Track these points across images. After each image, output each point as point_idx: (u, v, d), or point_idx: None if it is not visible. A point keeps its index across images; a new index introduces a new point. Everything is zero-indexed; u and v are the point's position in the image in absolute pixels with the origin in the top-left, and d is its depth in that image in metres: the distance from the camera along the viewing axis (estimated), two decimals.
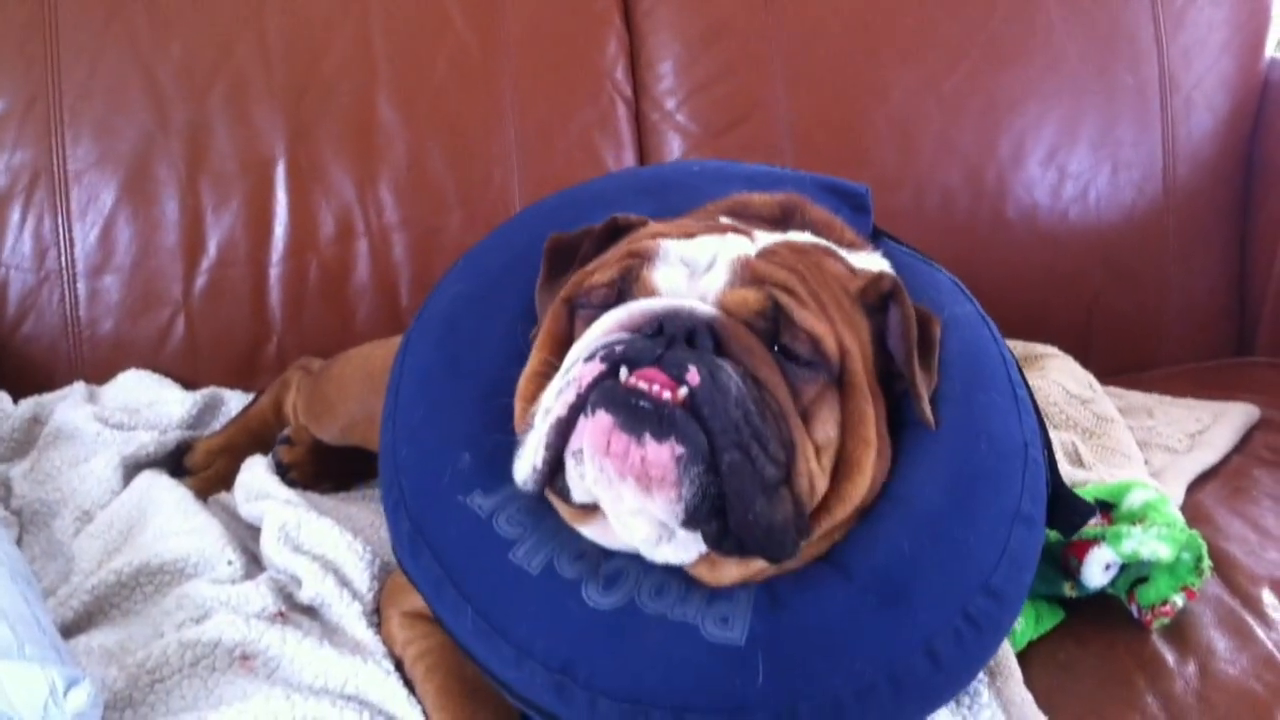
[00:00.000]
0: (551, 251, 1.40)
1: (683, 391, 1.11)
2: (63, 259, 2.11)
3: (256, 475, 1.73)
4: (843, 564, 1.22)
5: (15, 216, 2.10)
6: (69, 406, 1.96)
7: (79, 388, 2.05)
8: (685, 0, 2.28)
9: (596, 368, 1.14)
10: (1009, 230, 2.27)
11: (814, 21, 2.26)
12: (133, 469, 1.82)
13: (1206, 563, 1.45)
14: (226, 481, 1.82)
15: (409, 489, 1.33)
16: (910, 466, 1.28)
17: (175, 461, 1.89)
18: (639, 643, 1.19)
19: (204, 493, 1.78)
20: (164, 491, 1.70)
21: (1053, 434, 1.41)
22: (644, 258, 1.26)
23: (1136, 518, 1.48)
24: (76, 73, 2.11)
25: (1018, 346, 2.08)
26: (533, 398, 1.26)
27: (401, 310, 2.18)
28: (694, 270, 1.25)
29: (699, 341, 1.16)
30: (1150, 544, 1.43)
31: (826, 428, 1.21)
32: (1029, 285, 2.27)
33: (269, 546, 1.56)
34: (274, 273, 2.15)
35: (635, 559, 1.23)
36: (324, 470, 1.87)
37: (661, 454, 1.10)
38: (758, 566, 1.21)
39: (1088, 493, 1.53)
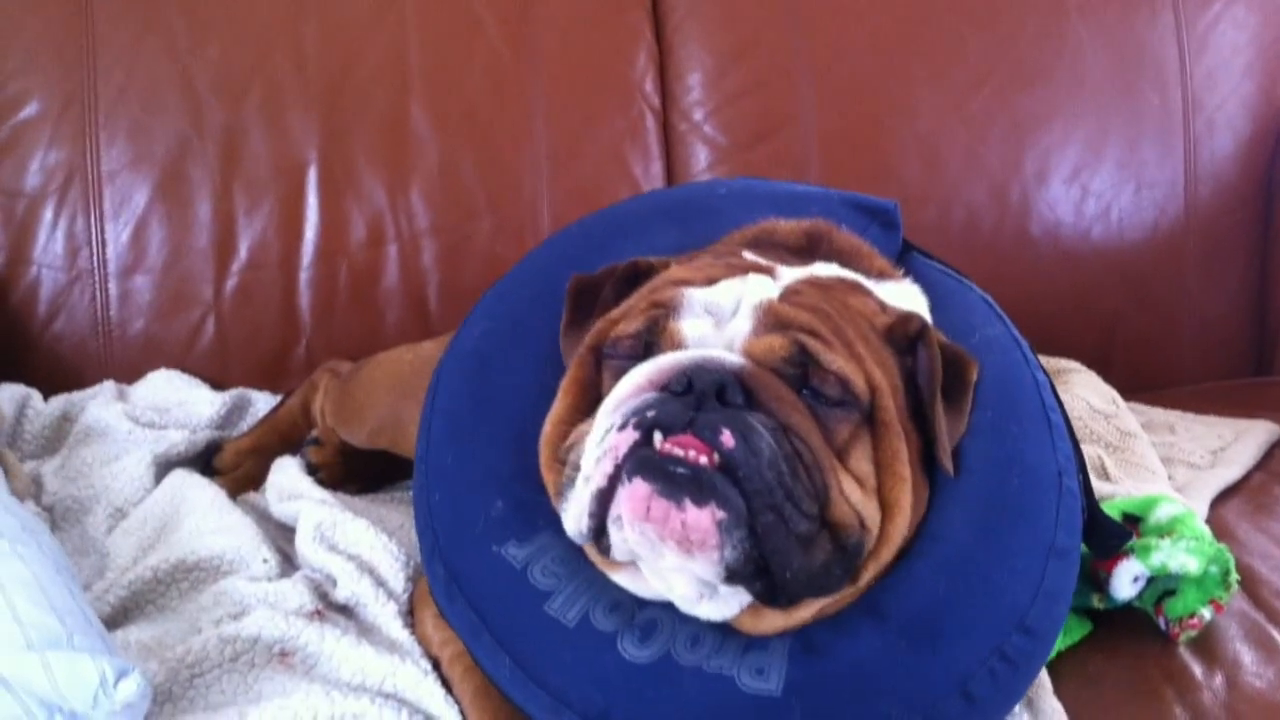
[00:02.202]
0: (574, 294, 1.40)
1: (717, 455, 1.12)
2: (95, 259, 2.13)
3: (289, 475, 1.75)
4: (877, 606, 1.23)
5: (49, 216, 2.12)
6: (99, 405, 1.97)
7: (109, 386, 2.06)
8: (715, 15, 2.30)
9: (630, 436, 1.15)
10: (1033, 247, 2.29)
11: (842, 38, 2.28)
12: (164, 467, 1.83)
13: (1234, 576, 1.46)
14: (255, 482, 1.84)
15: (443, 537, 1.34)
16: (943, 502, 1.28)
17: (203, 462, 1.90)
18: (675, 695, 1.20)
19: (233, 493, 1.79)
20: (197, 490, 1.72)
21: (1077, 436, 1.42)
22: (668, 308, 1.27)
23: (1164, 531, 1.49)
24: (113, 75, 2.13)
25: (1041, 361, 2.08)
26: (557, 444, 1.29)
27: (430, 315, 2.19)
28: (719, 318, 1.26)
29: (729, 396, 1.16)
30: (1178, 557, 1.43)
31: (862, 465, 1.22)
32: (1051, 302, 2.28)
33: (305, 545, 1.57)
34: (304, 276, 2.17)
35: (669, 608, 1.24)
36: (351, 472, 1.88)
37: (702, 518, 1.11)
38: (800, 616, 1.22)
39: (1115, 506, 1.54)
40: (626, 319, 1.30)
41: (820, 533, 1.17)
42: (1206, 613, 1.45)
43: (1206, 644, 1.47)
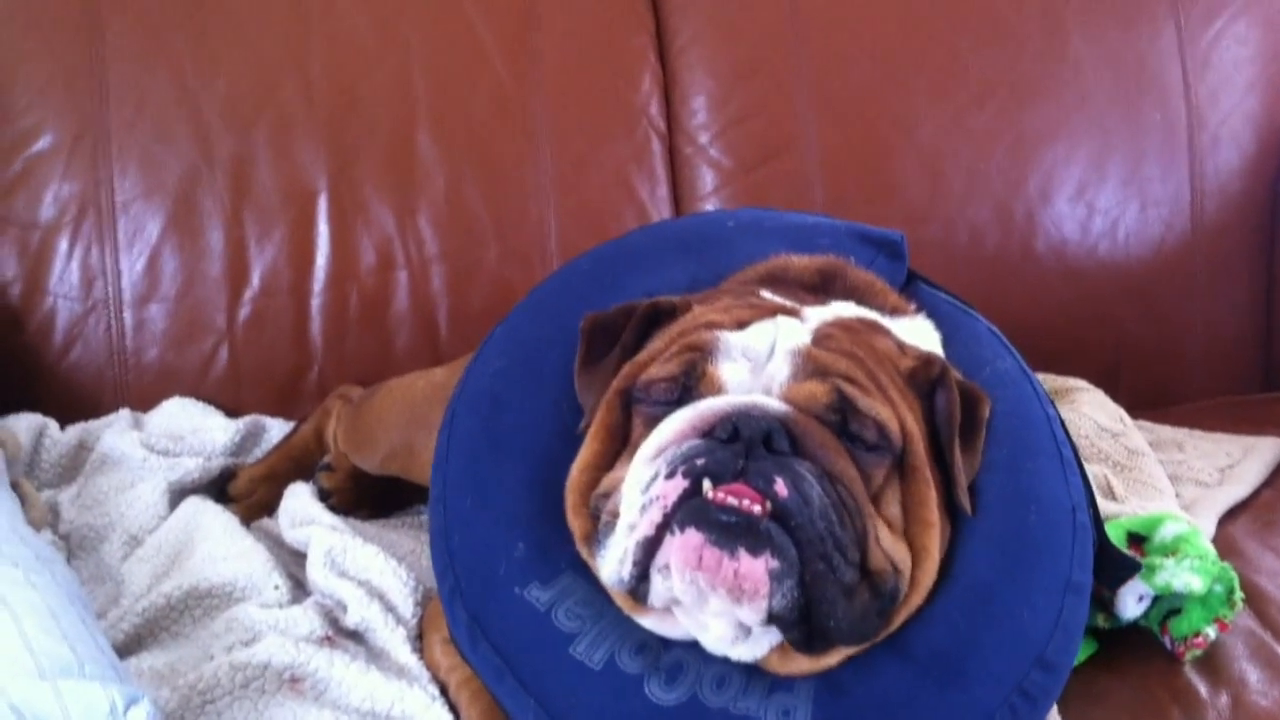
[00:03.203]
0: (589, 333, 1.40)
1: (770, 504, 1.13)
2: (109, 289, 2.15)
3: (301, 501, 1.76)
4: (900, 645, 1.24)
5: (63, 247, 2.14)
6: (115, 433, 1.99)
7: (124, 415, 2.08)
8: (718, 37, 2.31)
9: (680, 485, 1.15)
10: (1038, 265, 2.29)
11: (845, 59, 2.29)
12: (178, 495, 1.85)
13: (1239, 595, 1.46)
14: (269, 508, 1.85)
15: (464, 580, 1.34)
16: (962, 539, 1.29)
17: (218, 489, 1.92)
18: None
19: (247, 519, 1.81)
20: (211, 517, 1.74)
21: (1085, 468, 1.42)
22: (704, 352, 1.27)
23: (1169, 550, 1.49)
24: (124, 107, 2.15)
25: (1048, 380, 2.09)
26: (586, 491, 1.29)
27: (440, 340, 2.21)
28: (755, 363, 1.26)
29: (776, 443, 1.17)
30: (1183, 576, 1.44)
31: (893, 509, 1.24)
32: (1058, 320, 2.29)
33: (315, 571, 1.59)
34: (315, 303, 2.18)
35: (694, 649, 1.24)
36: (363, 497, 1.89)
37: (756, 568, 1.12)
38: (828, 660, 1.23)
39: (1120, 525, 1.55)
40: (658, 363, 1.30)
41: (861, 581, 1.18)
42: (1211, 631, 1.46)
43: (1212, 662, 1.47)
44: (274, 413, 2.14)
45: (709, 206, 2.30)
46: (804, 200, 2.25)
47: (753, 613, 1.14)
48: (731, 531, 1.12)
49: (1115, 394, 2.12)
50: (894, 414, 1.25)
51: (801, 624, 1.15)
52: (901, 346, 1.36)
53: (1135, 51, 2.31)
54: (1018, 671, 1.23)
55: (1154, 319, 2.33)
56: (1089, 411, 2.00)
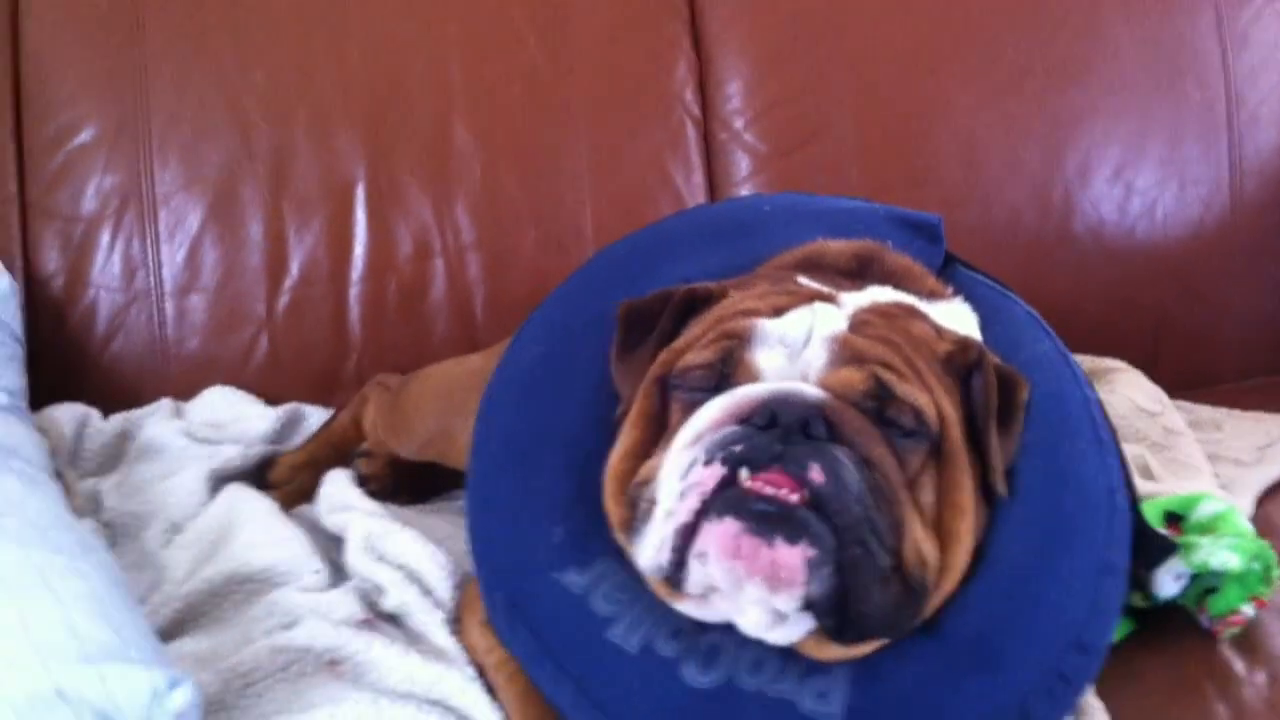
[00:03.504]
0: (625, 320, 1.40)
1: (807, 491, 1.13)
2: (151, 279, 2.18)
3: (339, 487, 1.78)
4: (937, 629, 1.24)
5: (105, 238, 2.17)
6: (157, 422, 2.02)
7: (166, 404, 2.11)
8: (753, 23, 2.31)
9: (718, 472, 1.15)
10: (1076, 246, 2.28)
11: (878, 42, 2.29)
12: (219, 482, 1.86)
13: (1276, 572, 1.44)
14: (308, 495, 1.86)
15: (502, 564, 1.35)
16: (998, 523, 1.29)
17: (258, 476, 1.94)
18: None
19: (287, 506, 1.81)
20: (251, 503, 1.75)
21: (1124, 448, 1.42)
22: (741, 339, 1.27)
23: (1206, 528, 1.48)
24: (164, 100, 2.18)
25: (1086, 361, 2.08)
26: (625, 479, 1.29)
27: (477, 328, 2.22)
28: (792, 349, 1.26)
29: (813, 429, 1.16)
30: (1220, 554, 1.43)
31: (927, 495, 1.24)
32: (1096, 301, 2.27)
33: (354, 556, 1.60)
34: (354, 292, 2.20)
35: (730, 632, 1.24)
36: (401, 483, 1.91)
37: (793, 556, 1.12)
38: (863, 648, 1.22)
39: (1157, 505, 1.54)
40: (694, 350, 1.30)
41: (894, 571, 1.18)
42: (1249, 609, 1.44)
43: (1249, 640, 1.46)
44: (313, 401, 2.17)
45: (744, 192, 2.29)
46: (840, 184, 2.24)
47: (789, 600, 1.14)
48: (769, 520, 1.12)
49: (1154, 375, 2.11)
50: (931, 400, 1.25)
51: (836, 611, 1.15)
52: (939, 330, 1.36)
53: (1173, 30, 2.28)
54: (1054, 655, 1.22)
55: (1193, 299, 2.31)
56: (1127, 392, 1.99)
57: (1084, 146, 2.28)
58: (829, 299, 1.35)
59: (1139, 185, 2.29)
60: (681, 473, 1.19)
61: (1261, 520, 1.67)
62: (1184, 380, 2.21)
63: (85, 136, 2.17)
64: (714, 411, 1.21)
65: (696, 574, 1.17)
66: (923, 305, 1.42)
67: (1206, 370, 2.31)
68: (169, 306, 2.18)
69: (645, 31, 2.30)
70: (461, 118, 2.22)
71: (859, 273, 1.49)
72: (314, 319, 2.20)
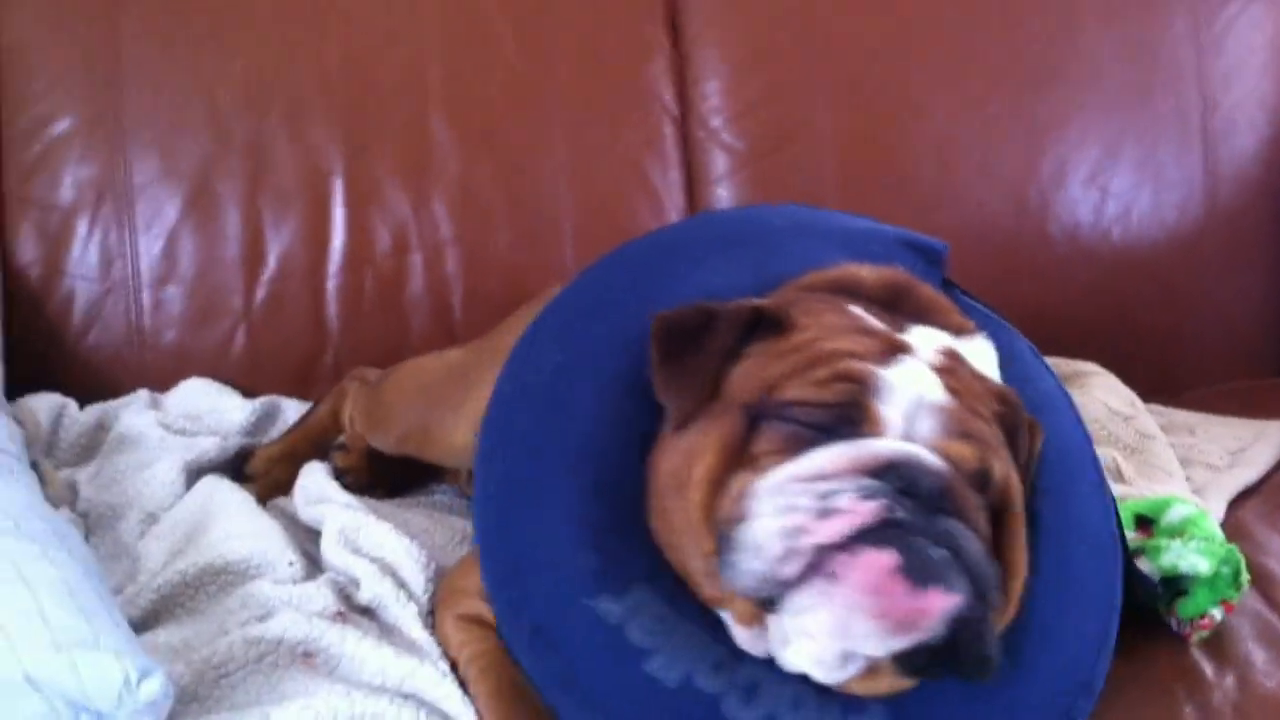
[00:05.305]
0: (664, 334, 1.31)
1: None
2: (128, 269, 2.17)
3: (316, 480, 1.78)
4: None
5: (82, 229, 2.16)
6: (133, 413, 2.01)
7: (143, 395, 2.10)
8: (732, 23, 2.32)
9: (880, 511, 1.11)
10: (1051, 250, 2.30)
11: (858, 44, 2.30)
12: (195, 474, 1.85)
13: (1245, 576, 1.46)
14: (285, 488, 1.86)
15: (526, 589, 1.28)
16: None
17: (235, 468, 1.93)
18: None
19: (263, 498, 1.81)
20: (227, 495, 1.74)
21: (1096, 451, 1.43)
22: (864, 385, 1.21)
23: (1176, 532, 1.50)
24: (141, 92, 2.17)
25: (1060, 364, 2.09)
26: (710, 506, 1.21)
27: (454, 322, 2.22)
28: (908, 409, 1.21)
29: (945, 504, 1.14)
30: (1189, 558, 1.44)
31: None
32: (1071, 304, 2.29)
33: (329, 548, 1.60)
34: (331, 285, 2.20)
35: (767, 666, 1.21)
36: (378, 477, 1.90)
37: (944, 603, 1.10)
38: (906, 683, 1.22)
39: (1128, 508, 1.56)
40: (799, 384, 1.23)
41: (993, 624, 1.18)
42: (1218, 613, 1.46)
43: (1218, 644, 1.48)
44: (290, 394, 2.16)
45: (721, 191, 2.31)
46: (817, 184, 2.26)
47: (899, 644, 1.11)
48: (931, 565, 1.10)
49: (1128, 378, 2.12)
50: (1008, 471, 1.24)
51: (916, 656, 1.13)
52: (982, 381, 1.33)
53: (1148, 35, 2.30)
54: (1068, 698, 1.25)
55: (1167, 303, 2.33)
56: (1100, 395, 2.01)
57: (1060, 150, 2.30)
58: (905, 349, 1.29)
59: (1114, 189, 2.31)
60: (819, 494, 1.13)
61: (1233, 525, 1.69)
62: (1157, 383, 2.22)
63: (62, 126, 2.16)
64: (838, 457, 1.16)
65: (800, 599, 1.13)
66: (954, 343, 1.37)
67: (1180, 374, 2.33)
68: (146, 297, 2.17)
69: (624, 29, 2.30)
70: (439, 113, 2.22)
71: (893, 304, 1.43)
72: (291, 312, 2.20)
